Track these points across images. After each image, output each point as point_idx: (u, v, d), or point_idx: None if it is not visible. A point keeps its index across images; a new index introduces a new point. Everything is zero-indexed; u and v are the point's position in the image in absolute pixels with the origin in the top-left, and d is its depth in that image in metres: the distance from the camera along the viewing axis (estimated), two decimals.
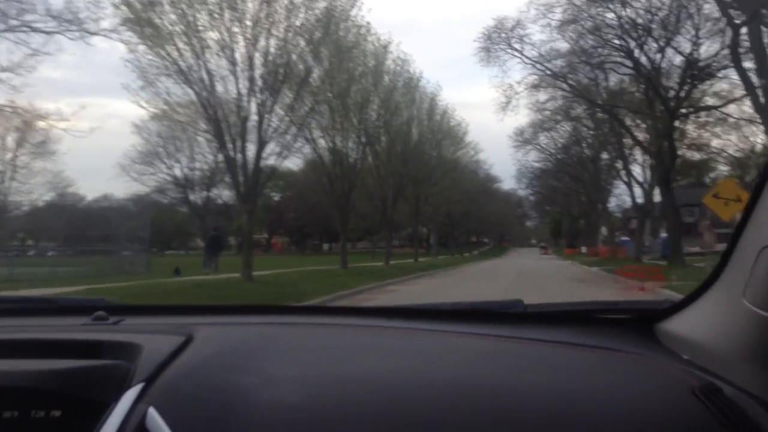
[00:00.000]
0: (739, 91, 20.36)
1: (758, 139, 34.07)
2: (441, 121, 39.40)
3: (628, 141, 36.84)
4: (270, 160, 18.05)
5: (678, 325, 1.11)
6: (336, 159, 25.17)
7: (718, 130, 32.44)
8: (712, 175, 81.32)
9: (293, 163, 39.61)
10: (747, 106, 22.53)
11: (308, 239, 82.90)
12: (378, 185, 31.22)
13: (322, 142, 24.89)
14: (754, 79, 15.87)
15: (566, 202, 77.69)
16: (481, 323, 1.29)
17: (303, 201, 62.56)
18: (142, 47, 15.40)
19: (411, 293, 17.53)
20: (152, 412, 0.81)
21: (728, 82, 24.51)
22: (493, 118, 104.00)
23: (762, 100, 12.98)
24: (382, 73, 26.59)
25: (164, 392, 0.87)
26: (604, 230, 61.61)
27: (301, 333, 1.22)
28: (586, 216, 65.02)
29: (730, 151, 42.26)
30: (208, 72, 15.76)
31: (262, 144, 16.78)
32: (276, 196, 76.82)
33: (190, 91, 15.84)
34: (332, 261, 45.80)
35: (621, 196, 54.09)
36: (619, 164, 47.71)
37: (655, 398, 0.87)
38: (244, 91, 16.29)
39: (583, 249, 60.77)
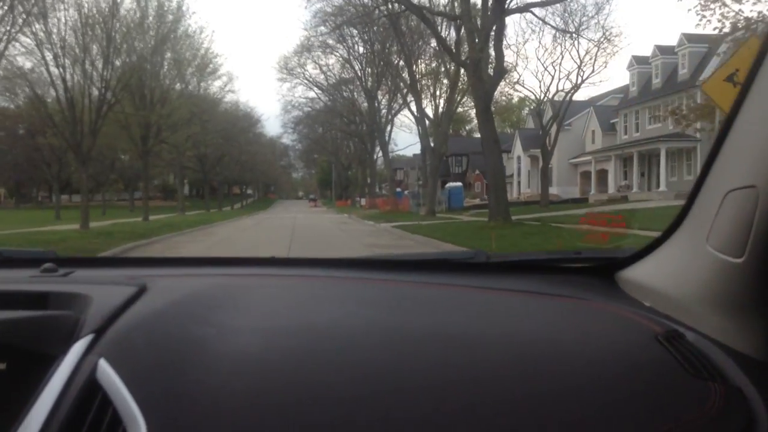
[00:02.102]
0: None
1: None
2: (175, 25, 27.88)
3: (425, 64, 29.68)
4: None
5: (640, 272, 1.11)
6: None
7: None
8: (468, 127, 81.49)
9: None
10: None
11: (33, 189, 65.17)
12: (66, 99, 19.33)
13: None
14: None
15: (336, 149, 71.17)
16: (444, 273, 1.28)
17: (20, 140, 46.87)
18: None
19: None
20: (103, 363, 0.78)
21: None
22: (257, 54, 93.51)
23: None
24: None
25: (115, 343, 0.83)
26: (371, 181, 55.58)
27: (258, 284, 1.20)
28: (361, 164, 58.36)
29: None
30: None
31: None
32: None
33: None
34: (42, 217, 32.96)
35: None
36: (401, 100, 41.14)
37: (618, 345, 0.89)
38: None
39: (363, 201, 53.68)
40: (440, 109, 31.87)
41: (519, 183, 51.05)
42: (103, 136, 24.10)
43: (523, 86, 36.19)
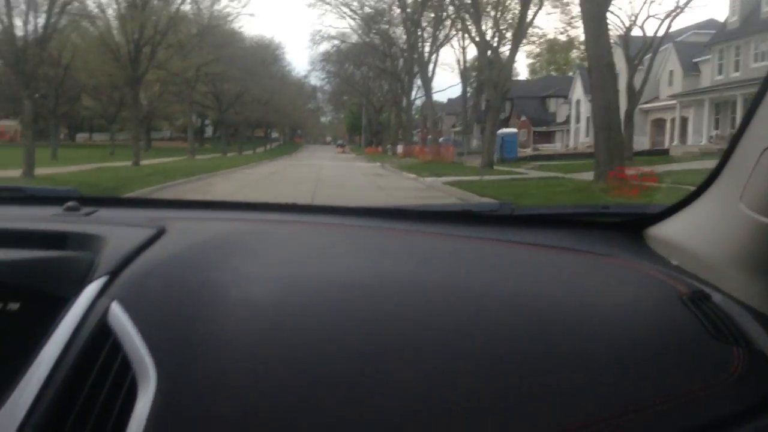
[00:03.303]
0: None
1: None
2: None
3: None
4: None
5: (669, 230, 1.07)
6: None
7: None
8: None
9: None
10: None
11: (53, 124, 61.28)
12: None
13: None
14: None
15: (367, 89, 65.31)
16: (467, 225, 1.25)
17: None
18: None
19: None
20: (115, 306, 0.77)
21: None
22: None
23: None
24: None
25: (129, 286, 0.83)
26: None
27: (280, 230, 1.16)
28: (396, 105, 52.26)
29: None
30: None
31: None
32: None
33: None
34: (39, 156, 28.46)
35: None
36: (447, 29, 34.83)
37: (641, 304, 0.87)
38: None
39: (399, 148, 47.14)
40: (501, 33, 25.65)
41: (577, 131, 44.67)
42: (77, 57, 18.71)
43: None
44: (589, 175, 18.15)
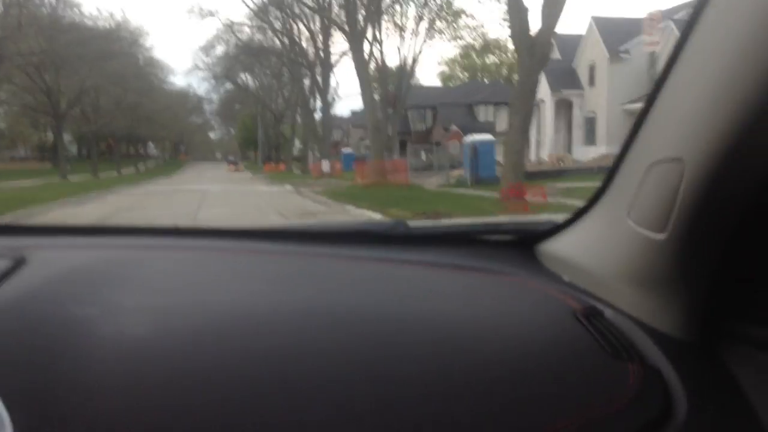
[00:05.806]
0: None
1: None
2: None
3: None
4: None
5: (560, 246, 1.08)
6: None
7: None
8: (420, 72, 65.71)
9: None
10: None
11: None
12: None
13: None
14: None
15: (264, 95, 54.00)
16: (360, 245, 1.21)
17: None
18: None
19: None
20: None
21: None
22: None
23: None
24: None
25: None
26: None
27: (154, 257, 1.10)
28: (304, 108, 40.98)
29: None
30: None
31: None
32: None
33: None
34: None
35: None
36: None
37: (535, 321, 0.87)
38: None
39: (325, 166, 33.91)
40: None
41: (538, 142, 35.50)
42: None
43: None
44: None
